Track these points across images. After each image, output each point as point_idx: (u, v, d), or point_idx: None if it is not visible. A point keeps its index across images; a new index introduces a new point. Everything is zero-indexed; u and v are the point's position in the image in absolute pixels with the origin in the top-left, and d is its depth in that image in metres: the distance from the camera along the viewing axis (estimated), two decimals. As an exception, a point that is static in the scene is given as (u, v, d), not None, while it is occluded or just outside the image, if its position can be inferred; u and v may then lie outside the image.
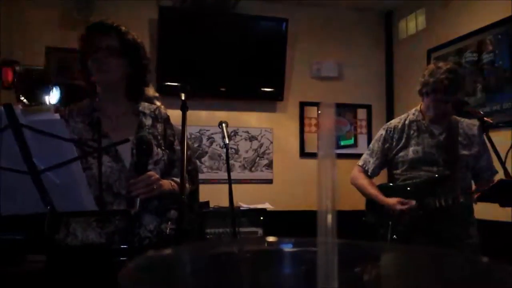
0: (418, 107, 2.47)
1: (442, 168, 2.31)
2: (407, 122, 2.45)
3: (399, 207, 2.30)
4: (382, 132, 2.50)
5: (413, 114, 2.46)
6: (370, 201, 2.51)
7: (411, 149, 2.38)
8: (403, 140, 2.42)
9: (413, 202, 2.29)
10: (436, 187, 2.29)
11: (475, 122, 2.36)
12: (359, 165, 2.57)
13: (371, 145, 2.56)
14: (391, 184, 2.52)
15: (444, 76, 2.25)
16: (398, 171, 2.43)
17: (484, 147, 2.35)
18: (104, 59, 1.65)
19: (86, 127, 1.66)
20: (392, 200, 2.34)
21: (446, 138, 2.36)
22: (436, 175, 2.31)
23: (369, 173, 2.52)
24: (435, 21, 4.21)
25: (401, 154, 2.40)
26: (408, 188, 2.35)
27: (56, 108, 1.68)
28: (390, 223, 2.33)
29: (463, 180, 2.32)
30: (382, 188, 2.49)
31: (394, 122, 2.51)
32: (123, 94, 1.75)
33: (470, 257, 0.47)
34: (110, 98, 1.73)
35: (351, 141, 4.74)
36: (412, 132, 2.41)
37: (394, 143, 2.44)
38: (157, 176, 1.61)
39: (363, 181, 2.51)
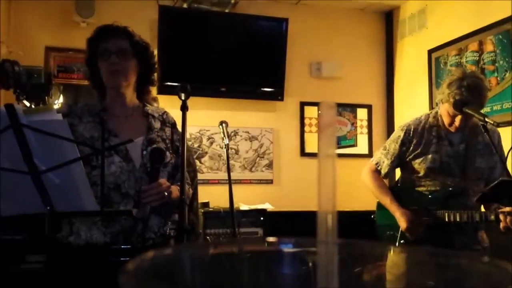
0: (438, 110, 2.37)
1: (458, 180, 2.25)
2: (427, 126, 2.35)
3: (405, 226, 2.25)
4: (400, 133, 2.39)
5: (434, 117, 2.36)
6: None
7: (429, 156, 2.29)
8: (421, 146, 2.32)
9: (421, 229, 2.25)
10: (450, 200, 2.24)
11: (494, 129, 2.28)
12: (372, 163, 2.49)
13: (386, 145, 2.46)
14: (404, 187, 2.44)
15: (460, 91, 2.15)
16: (412, 176, 2.36)
17: (501, 157, 2.26)
18: (117, 63, 1.67)
19: (97, 126, 1.67)
20: (403, 216, 2.27)
21: (465, 148, 2.29)
22: (451, 188, 2.25)
23: (382, 174, 2.44)
24: (435, 20, 4.21)
25: (418, 160, 2.32)
26: (422, 197, 2.30)
27: (68, 106, 1.70)
28: (400, 229, 2.29)
29: (476, 192, 2.24)
30: (395, 190, 2.43)
31: (413, 124, 2.39)
32: (132, 94, 1.77)
33: (469, 257, 0.47)
34: (119, 99, 1.74)
35: (352, 141, 4.74)
36: (431, 138, 2.32)
37: (412, 147, 2.34)
38: (168, 183, 1.63)
39: (376, 182, 2.45)
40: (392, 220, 2.34)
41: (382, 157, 2.45)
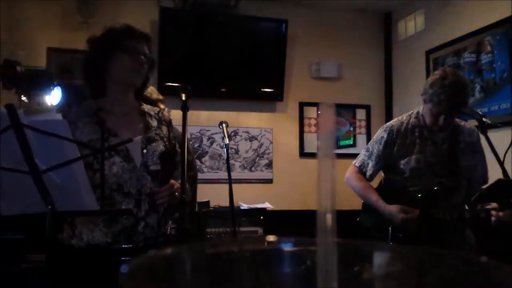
0: (420, 110, 2.37)
1: (445, 179, 2.25)
2: (409, 126, 2.34)
3: (401, 215, 2.21)
4: (383, 134, 2.38)
5: (415, 117, 2.36)
6: (370, 207, 2.41)
7: (413, 157, 2.29)
8: (405, 147, 2.32)
9: (416, 212, 2.21)
10: (439, 198, 2.23)
11: (474, 128, 2.31)
12: (355, 166, 2.46)
13: (369, 147, 2.44)
14: (390, 189, 2.40)
15: (443, 90, 2.16)
16: (398, 177, 2.34)
17: (481, 155, 2.29)
18: (144, 62, 1.71)
19: (95, 126, 1.65)
20: (394, 208, 2.24)
21: (448, 147, 2.29)
22: (437, 188, 2.24)
23: (367, 176, 2.41)
24: (434, 21, 4.21)
25: (403, 161, 2.31)
26: (415, 196, 2.28)
27: (62, 111, 1.66)
28: (390, 228, 2.26)
29: (463, 190, 2.26)
30: (380, 192, 2.39)
31: (395, 124, 2.38)
32: (131, 93, 1.77)
33: (468, 257, 0.47)
34: (119, 98, 1.73)
35: (350, 141, 4.75)
36: (414, 138, 2.32)
37: (396, 148, 2.33)
38: (178, 184, 1.64)
39: (361, 183, 2.41)
40: (380, 220, 2.31)
41: (366, 159, 2.42)
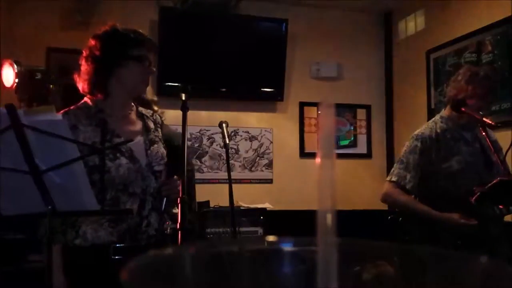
0: (443, 114, 2.35)
1: (485, 176, 2.23)
2: (439, 131, 2.31)
3: (463, 221, 2.17)
4: (416, 143, 2.31)
5: (442, 122, 2.34)
6: (415, 217, 2.34)
7: (454, 159, 2.26)
8: (442, 151, 2.28)
9: (473, 220, 2.18)
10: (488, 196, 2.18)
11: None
12: (393, 181, 2.35)
13: (403, 159, 2.35)
14: (435, 195, 2.33)
15: (485, 82, 2.18)
16: (441, 183, 2.29)
17: (499, 155, 2.28)
18: (153, 72, 1.76)
19: (96, 129, 1.64)
20: (457, 217, 2.18)
21: (480, 146, 2.30)
22: (485, 186, 2.17)
23: (407, 188, 2.31)
24: (434, 21, 4.21)
25: (445, 166, 2.27)
26: (467, 197, 2.21)
27: (61, 116, 1.64)
28: (447, 237, 2.22)
29: None
30: (427, 201, 2.31)
31: (425, 132, 2.33)
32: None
33: (469, 257, 0.47)
34: (120, 101, 1.73)
35: (351, 141, 4.75)
36: (447, 141, 2.30)
37: (434, 154, 2.29)
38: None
39: (404, 197, 2.33)
40: (434, 231, 2.25)
41: (403, 172, 2.33)
